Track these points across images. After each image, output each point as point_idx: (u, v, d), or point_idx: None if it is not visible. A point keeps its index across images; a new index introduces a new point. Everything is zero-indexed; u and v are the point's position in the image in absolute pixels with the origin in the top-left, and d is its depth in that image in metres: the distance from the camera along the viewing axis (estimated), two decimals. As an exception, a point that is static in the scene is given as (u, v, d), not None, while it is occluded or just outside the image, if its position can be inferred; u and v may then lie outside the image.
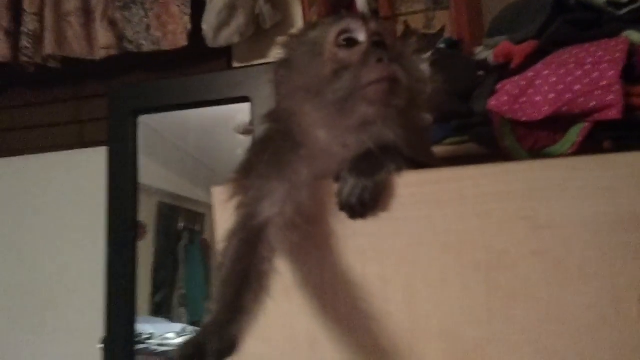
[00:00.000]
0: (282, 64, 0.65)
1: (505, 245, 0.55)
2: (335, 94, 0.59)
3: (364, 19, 0.63)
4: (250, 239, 0.60)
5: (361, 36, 0.62)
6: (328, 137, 0.61)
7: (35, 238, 1.69)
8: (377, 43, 0.62)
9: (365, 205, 0.58)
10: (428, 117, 0.71)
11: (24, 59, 1.54)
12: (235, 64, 1.50)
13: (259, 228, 0.60)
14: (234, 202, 0.62)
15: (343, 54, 0.61)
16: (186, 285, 1.55)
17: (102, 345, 1.42)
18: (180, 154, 1.56)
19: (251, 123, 1.35)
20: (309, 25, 0.68)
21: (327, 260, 0.62)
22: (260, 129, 0.66)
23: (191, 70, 1.52)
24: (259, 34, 1.42)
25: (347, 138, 0.60)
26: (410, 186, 0.58)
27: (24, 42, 1.54)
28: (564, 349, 0.53)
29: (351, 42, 0.62)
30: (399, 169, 0.59)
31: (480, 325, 0.56)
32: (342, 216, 0.59)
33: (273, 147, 0.62)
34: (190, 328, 1.50)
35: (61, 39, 1.53)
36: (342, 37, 0.62)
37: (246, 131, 1.38)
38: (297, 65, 0.64)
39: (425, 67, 0.66)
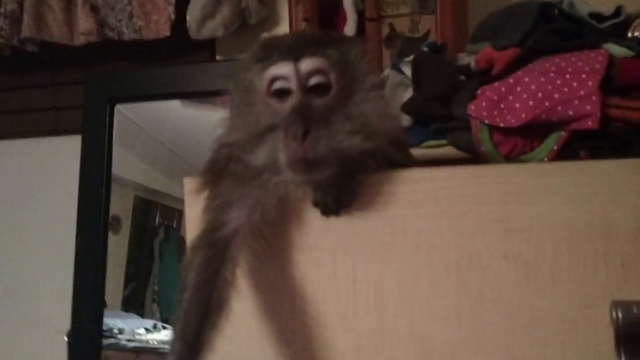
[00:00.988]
0: (233, 96, 0.60)
1: (477, 248, 0.54)
2: (257, 162, 0.55)
3: (295, 59, 0.55)
4: (214, 258, 0.58)
5: (292, 84, 0.55)
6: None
7: (4, 224, 1.65)
8: (299, 107, 0.54)
9: (339, 202, 0.57)
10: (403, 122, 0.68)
11: (0, 40, 1.50)
12: (219, 58, 1.48)
13: (224, 241, 0.58)
14: (202, 201, 0.61)
15: (275, 105, 0.56)
16: (159, 282, 1.53)
17: (68, 338, 1.39)
18: (157, 147, 1.53)
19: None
20: (244, 62, 0.59)
21: (296, 257, 0.61)
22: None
23: (173, 62, 1.50)
24: (244, 29, 1.40)
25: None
26: (385, 185, 0.58)
27: (1, 23, 1.49)
28: (533, 354, 0.53)
29: (284, 92, 0.55)
30: (375, 168, 0.58)
31: (450, 327, 0.55)
32: (316, 212, 0.58)
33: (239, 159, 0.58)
34: (160, 324, 1.47)
35: (40, 23, 1.48)
36: (274, 86, 0.56)
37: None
38: (239, 105, 0.59)
39: (384, 103, 0.61)
